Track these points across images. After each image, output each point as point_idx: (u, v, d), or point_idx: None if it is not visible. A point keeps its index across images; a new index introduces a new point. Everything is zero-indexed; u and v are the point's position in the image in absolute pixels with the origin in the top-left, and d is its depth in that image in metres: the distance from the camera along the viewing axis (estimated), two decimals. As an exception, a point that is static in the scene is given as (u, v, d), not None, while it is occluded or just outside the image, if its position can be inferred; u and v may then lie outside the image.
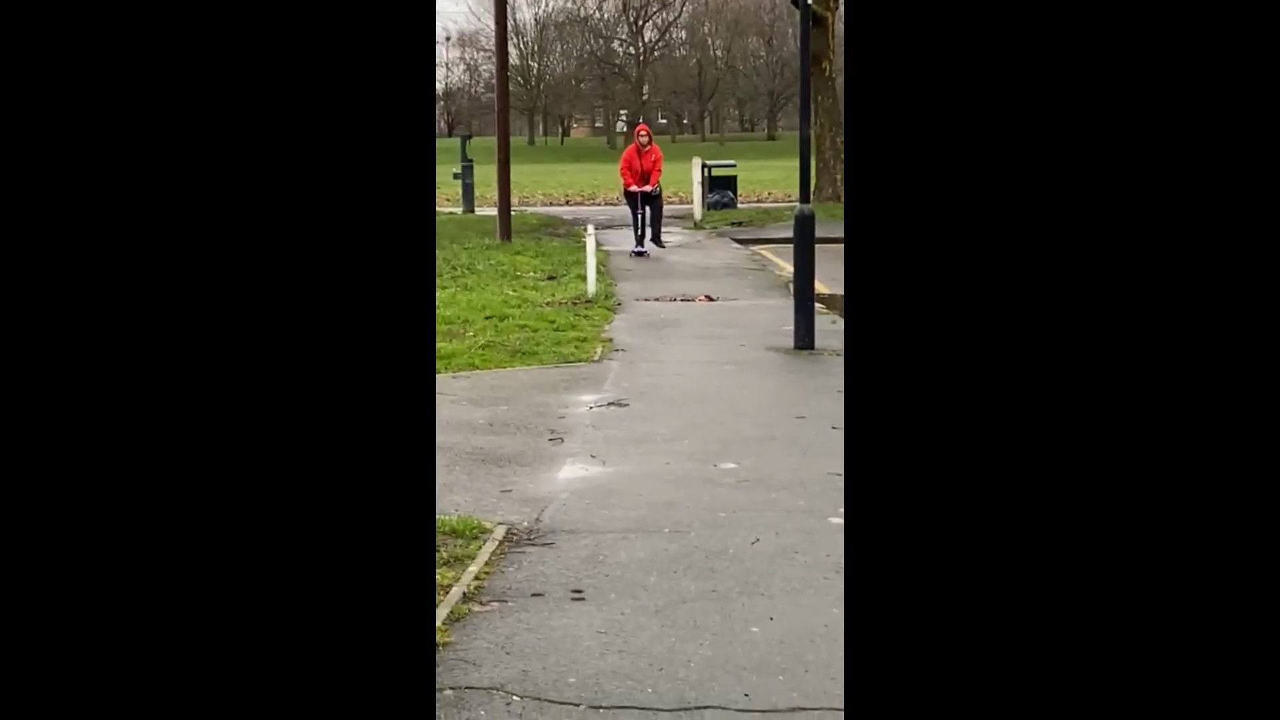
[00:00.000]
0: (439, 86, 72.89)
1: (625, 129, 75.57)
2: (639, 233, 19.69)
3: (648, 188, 19.41)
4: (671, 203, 30.63)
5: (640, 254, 19.57)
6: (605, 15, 65.71)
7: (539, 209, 31.59)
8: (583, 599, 5.64)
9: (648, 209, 20.28)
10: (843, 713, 4.29)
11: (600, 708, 4.57)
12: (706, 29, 68.77)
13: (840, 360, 11.34)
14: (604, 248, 19.27)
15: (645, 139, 20.11)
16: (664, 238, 24.67)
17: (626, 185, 20.55)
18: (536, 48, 70.51)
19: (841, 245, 9.82)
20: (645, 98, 73.58)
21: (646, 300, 15.28)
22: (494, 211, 24.95)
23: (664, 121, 76.75)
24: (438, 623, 5.11)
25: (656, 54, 71.35)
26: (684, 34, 69.78)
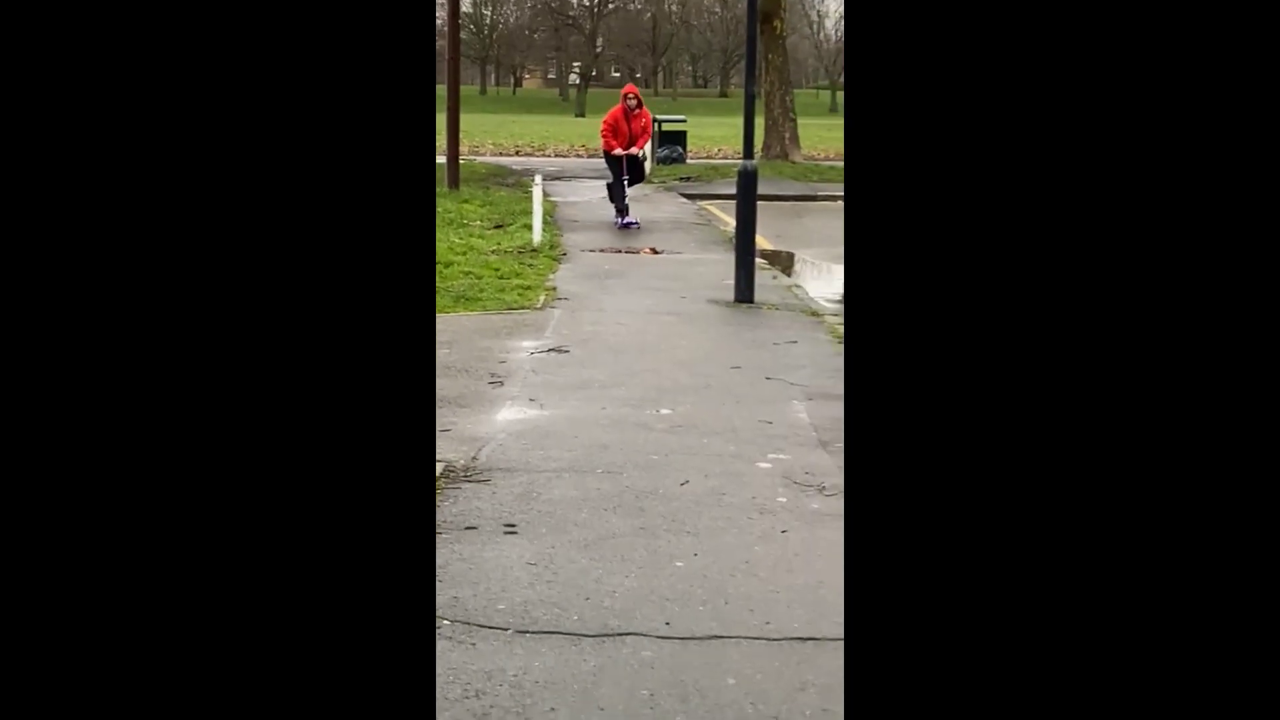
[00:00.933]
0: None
1: (578, 81, 77.35)
2: (623, 202, 18.08)
3: (634, 150, 17.84)
4: (595, 166, 30.68)
5: (627, 226, 18.00)
6: None
7: (488, 159, 31.41)
8: (515, 532, 5.79)
9: (631, 175, 18.54)
10: (756, 640, 4.56)
11: (527, 633, 4.72)
12: None
13: (778, 313, 11.82)
14: (551, 198, 19.33)
15: (635, 101, 18.30)
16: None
17: (608, 149, 18.35)
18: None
19: (785, 202, 10.01)
20: (599, 50, 74.04)
21: (591, 251, 15.63)
22: (443, 160, 23.64)
23: (617, 75, 77.42)
24: None
25: (611, 6, 72.18)
26: None
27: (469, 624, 4.81)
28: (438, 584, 5.01)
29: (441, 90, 26.80)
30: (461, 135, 25.25)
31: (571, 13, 70.76)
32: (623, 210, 17.47)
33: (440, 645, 4.41)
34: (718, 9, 66.50)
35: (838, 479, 6.79)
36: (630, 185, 17.77)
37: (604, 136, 18.27)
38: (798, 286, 13.14)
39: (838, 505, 6.20)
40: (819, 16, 72.56)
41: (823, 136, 42.40)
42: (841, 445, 7.37)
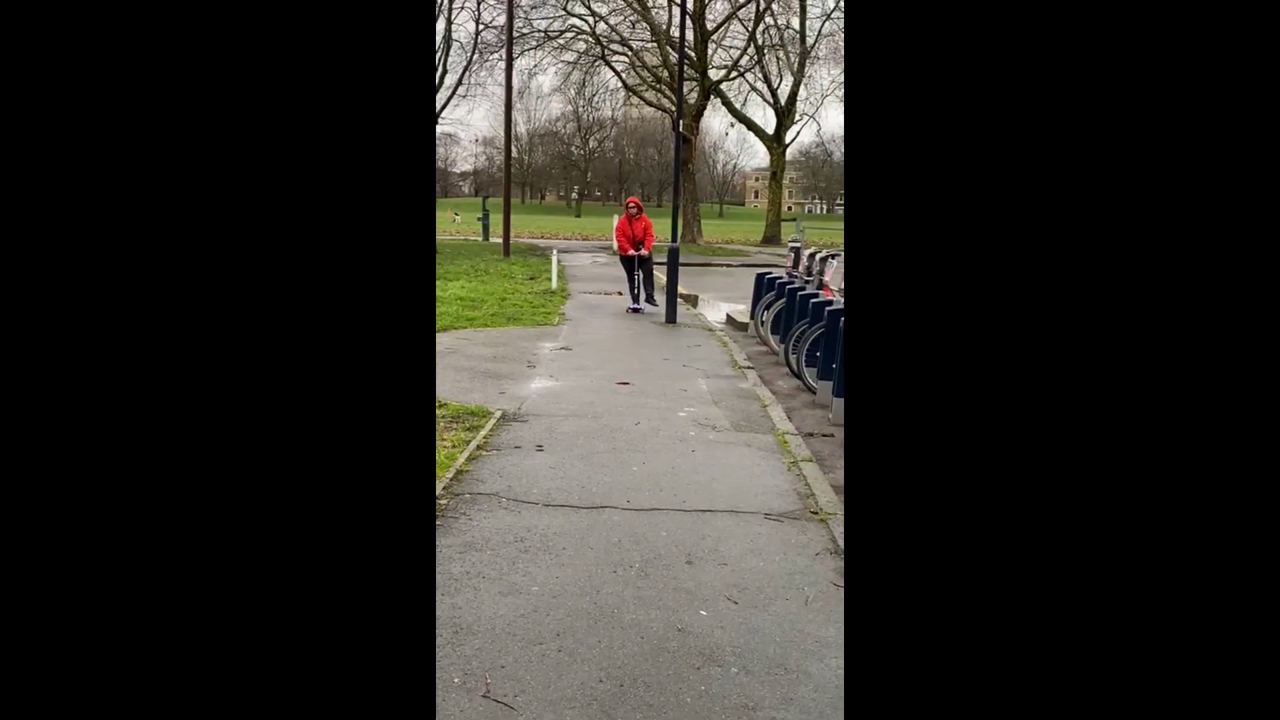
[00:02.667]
0: (469, 166, 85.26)
1: (576, 197, 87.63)
2: (635, 291, 14.52)
3: (643, 251, 14.37)
4: (595, 239, 30.21)
5: (636, 310, 14.34)
6: (567, 130, 69.14)
7: (524, 240, 32.93)
8: (542, 450, 6.11)
9: (641, 272, 14.59)
10: (677, 511, 4.92)
11: (549, 505, 5.01)
12: (625, 142, 73.04)
13: (689, 329, 12.71)
14: (561, 263, 19.43)
15: (635, 209, 14.70)
16: (594, 267, 19.81)
17: (623, 251, 14.76)
18: (528, 148, 73.55)
19: (694, 267, 10.47)
20: (588, 179, 78.64)
21: (585, 293, 16.21)
22: (500, 240, 26.35)
23: (598, 195, 79.34)
24: (461, 461, 5.65)
25: (595, 155, 75.67)
26: (611, 144, 73.85)
27: (516, 500, 5.11)
28: (502, 480, 5.55)
29: (499, 201, 27.10)
30: (510, 226, 26.56)
31: (573, 158, 75.10)
32: (635, 297, 14.25)
33: (500, 514, 4.85)
34: (656, 157, 68.90)
35: (724, 423, 7.15)
36: (645, 281, 14.22)
37: (617, 240, 14.75)
38: (700, 314, 14.22)
39: (725, 437, 6.76)
40: (711, 164, 77.16)
41: (713, 230, 47.93)
42: (727, 401, 7.83)
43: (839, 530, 4.69)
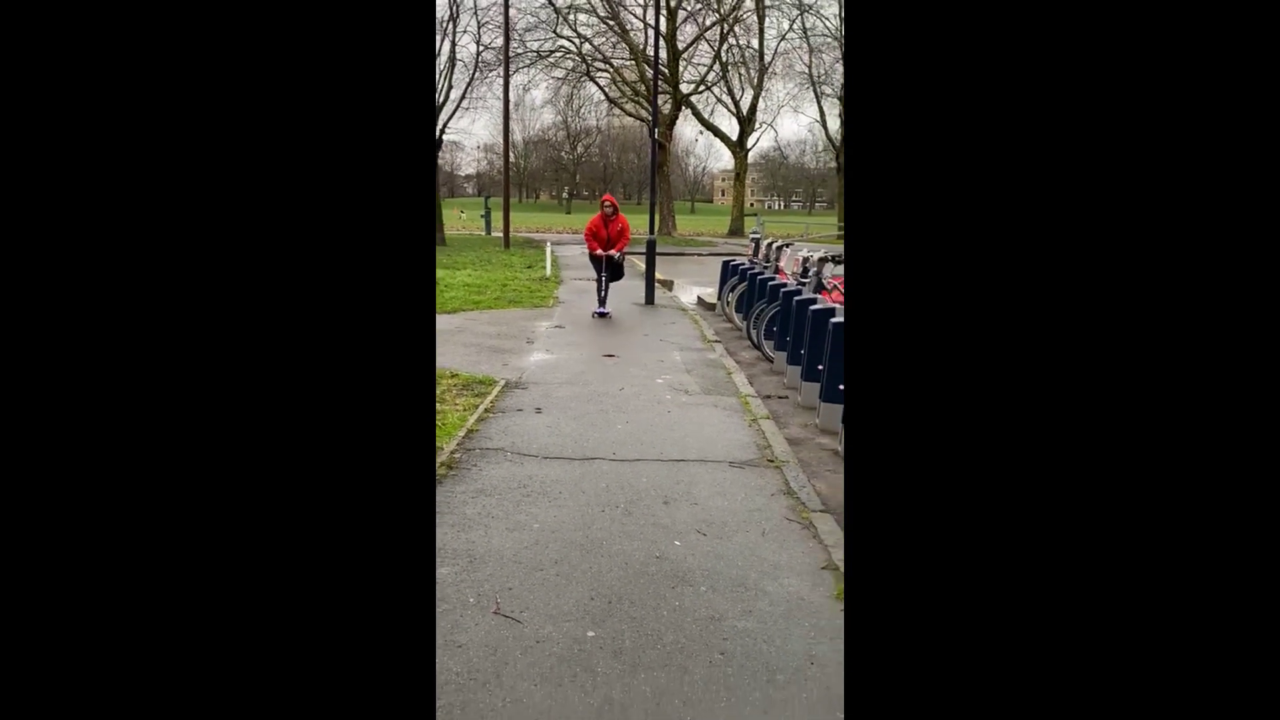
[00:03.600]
0: (473, 170, 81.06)
1: (567, 195, 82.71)
2: (602, 294, 12.04)
3: (612, 253, 12.04)
4: (578, 236, 29.58)
5: (603, 315, 11.63)
6: (557, 137, 68.30)
7: (522, 233, 32.44)
8: (541, 412, 6.13)
9: (607, 274, 11.90)
10: (656, 461, 4.99)
11: (548, 458, 5.05)
12: (608, 147, 71.85)
13: (665, 309, 12.48)
14: (555, 254, 19.25)
15: (611, 209, 12.18)
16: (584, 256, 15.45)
17: (591, 250, 12.33)
18: (524, 153, 73.39)
19: (669, 256, 10.86)
20: (577, 180, 77.84)
21: (576, 280, 15.87)
22: (501, 234, 26.01)
23: (585, 194, 78.72)
24: (471, 422, 5.67)
25: (583, 159, 74.68)
26: (596, 150, 72.44)
27: (519, 454, 5.14)
28: (507, 437, 5.57)
29: (499, 200, 26.43)
30: (509, 222, 26.14)
31: (564, 162, 74.13)
32: (602, 300, 11.62)
33: (505, 466, 4.89)
34: (636, 161, 68.42)
35: (695, 388, 7.16)
36: (610, 282, 11.84)
37: (586, 240, 12.14)
38: (675, 297, 14.09)
39: (696, 400, 6.77)
40: (684, 166, 77.10)
41: (685, 224, 47.23)
42: (698, 369, 7.87)
43: (791, 475, 4.80)
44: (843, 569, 3.61)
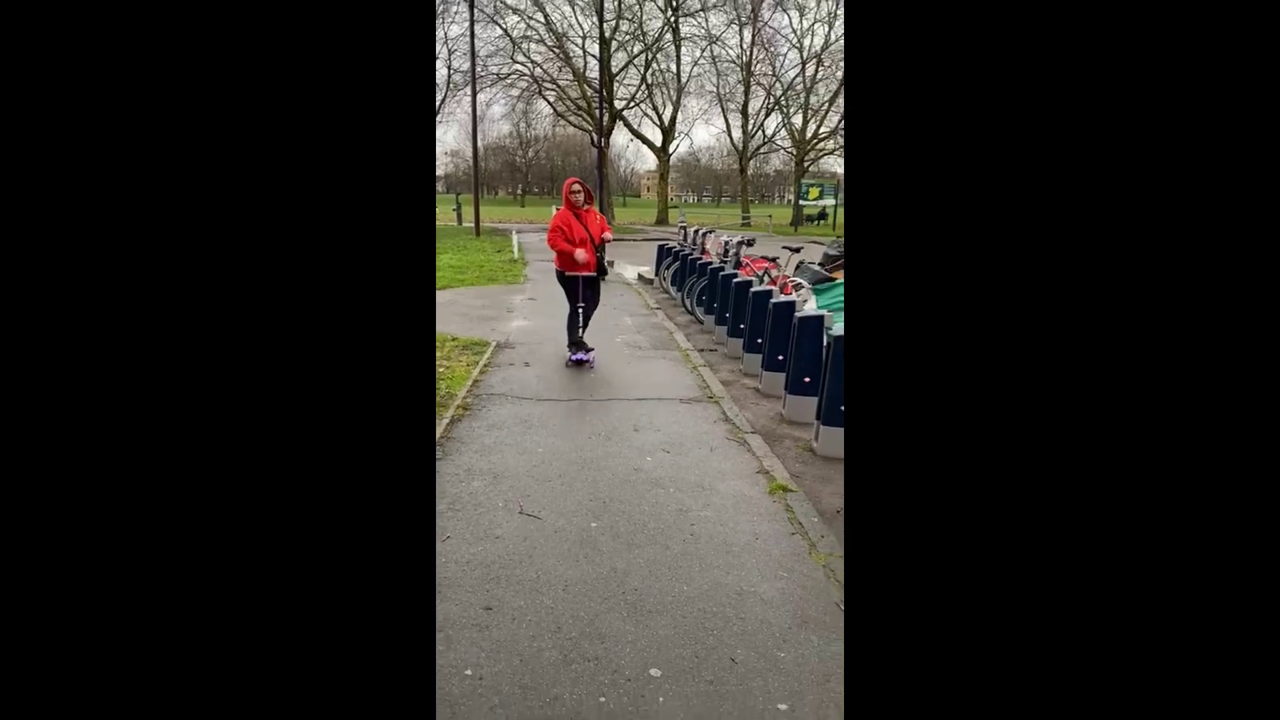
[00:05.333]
0: (442, 172, 69.24)
1: (520, 192, 72.43)
2: (579, 332, 6.00)
3: (589, 272, 5.85)
4: (538, 222, 28.46)
5: (580, 361, 6.00)
6: (511, 144, 66.73)
7: (489, 224, 30.85)
8: (529, 366, 6.12)
9: (585, 304, 5.97)
10: (624, 400, 5.14)
11: (540, 399, 5.11)
12: (554, 152, 70.39)
13: (613, 283, 12.06)
14: (520, 239, 18.91)
15: (581, 195, 5.75)
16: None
17: (563, 267, 5.90)
18: (484, 157, 72.19)
19: (610, 241, 9.37)
20: (528, 179, 75.94)
21: (539, 261, 15.43)
22: (471, 224, 24.41)
23: (536, 190, 75.48)
24: (475, 374, 5.70)
25: (533, 162, 72.90)
26: (544, 154, 70.55)
27: (518, 397, 5.17)
28: (506, 385, 5.57)
29: (469, 196, 25.37)
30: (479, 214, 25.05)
31: (518, 165, 71.33)
32: (577, 343, 6.04)
33: (509, 406, 4.95)
34: (577, 163, 67.57)
35: (646, 344, 7.22)
36: (591, 309, 6.12)
37: (555, 246, 5.84)
38: (620, 273, 13.66)
39: (647, 354, 6.85)
40: (617, 167, 76.20)
41: (620, 215, 44.00)
42: (646, 331, 7.91)
43: (726, 407, 5.04)
44: (772, 474, 3.86)
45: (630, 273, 15.02)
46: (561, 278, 6.04)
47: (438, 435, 4.29)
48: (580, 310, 6.03)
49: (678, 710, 2.09)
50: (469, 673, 2.23)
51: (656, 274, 12.02)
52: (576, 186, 5.81)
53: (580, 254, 5.75)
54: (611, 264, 6.18)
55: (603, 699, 2.14)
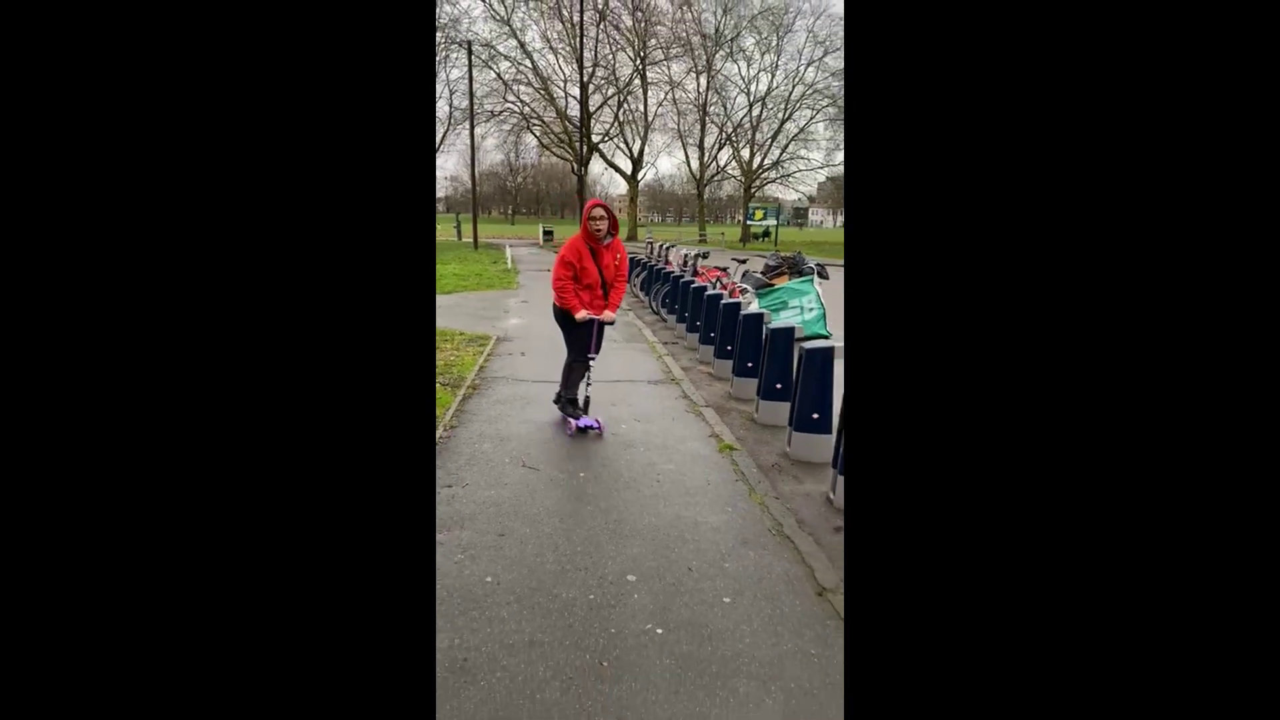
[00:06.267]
0: (442, 194, 63.27)
1: (512, 213, 66.34)
2: (581, 396, 3.79)
3: (607, 314, 3.51)
4: (527, 239, 27.65)
5: (589, 428, 3.75)
6: (503, 171, 64.74)
7: (485, 240, 30.27)
8: (524, 355, 6.24)
9: (590, 363, 3.73)
10: (603, 382, 5.24)
11: (535, 381, 5.20)
12: (540, 178, 68.57)
13: None
14: (512, 253, 18.75)
15: (605, 226, 3.34)
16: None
17: (570, 306, 3.48)
18: (480, 182, 69.76)
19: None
20: (517, 201, 72.27)
21: (529, 270, 15.54)
22: (470, 240, 24.27)
23: (524, 211, 72.00)
24: (480, 361, 5.77)
25: (521, 187, 69.98)
26: (531, 180, 68.69)
27: (517, 380, 5.28)
28: (507, 370, 5.63)
29: (468, 215, 25.05)
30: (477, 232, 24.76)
31: (508, 189, 68.92)
32: (572, 404, 3.81)
33: (510, 386, 5.06)
34: (559, 188, 66.02)
35: (620, 338, 7.21)
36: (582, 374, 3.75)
37: (560, 285, 3.52)
38: None
39: (621, 346, 6.84)
40: (594, 192, 73.46)
41: None
42: (620, 328, 7.89)
43: (686, 388, 5.24)
44: (721, 437, 4.09)
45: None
46: (564, 318, 3.72)
47: (453, 410, 4.43)
48: (589, 364, 3.84)
49: (648, 603, 2.39)
50: (489, 579, 2.49)
51: (629, 281, 12.25)
52: (600, 212, 3.59)
53: (582, 315, 3.59)
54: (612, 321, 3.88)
55: (591, 596, 2.42)
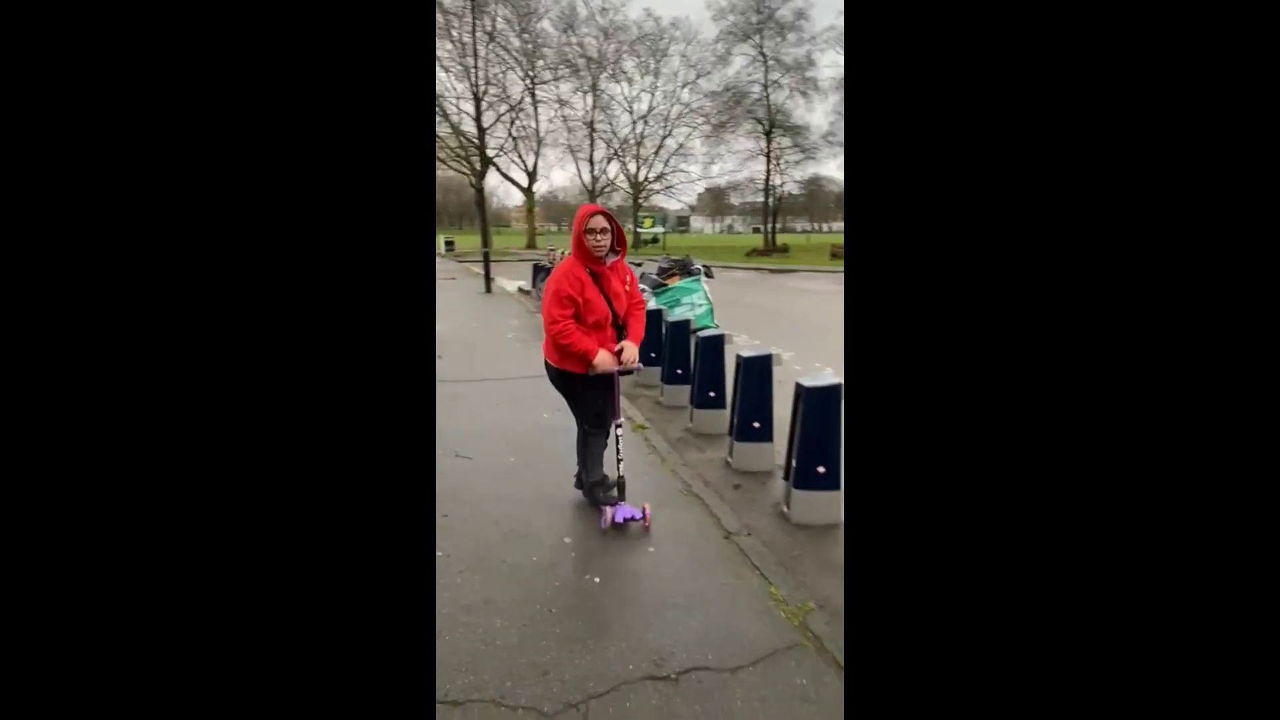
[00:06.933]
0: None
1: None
2: (600, 472, 2.30)
3: (629, 362, 2.02)
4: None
5: (631, 518, 2.28)
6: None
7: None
8: (442, 358, 5.93)
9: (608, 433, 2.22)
10: (517, 378, 5.27)
11: (458, 381, 5.16)
12: (439, 190, 63.63)
13: (499, 295, 11.69)
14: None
15: (608, 241, 1.92)
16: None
17: (584, 350, 1.99)
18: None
19: (492, 263, 9.41)
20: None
21: (441, 279, 14.99)
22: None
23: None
24: None
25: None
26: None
27: (443, 380, 5.21)
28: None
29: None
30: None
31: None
32: (602, 488, 2.32)
33: (441, 386, 5.02)
34: (456, 199, 61.80)
35: (528, 337, 7.16)
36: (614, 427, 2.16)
37: (560, 329, 2.03)
38: (503, 287, 13.00)
39: (528, 345, 6.78)
40: (492, 204, 68.60)
41: (497, 242, 40.38)
42: (527, 329, 7.84)
43: None
44: (633, 419, 4.26)
45: (511, 286, 14.90)
46: (564, 379, 2.50)
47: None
48: (617, 432, 2.55)
49: (585, 558, 2.55)
50: (441, 554, 2.57)
51: (532, 286, 12.10)
52: (600, 222, 2.32)
53: (603, 358, 2.32)
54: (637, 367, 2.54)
55: (535, 558, 2.56)
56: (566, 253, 2.70)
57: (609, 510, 2.45)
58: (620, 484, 2.39)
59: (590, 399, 2.33)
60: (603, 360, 2.16)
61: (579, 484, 2.56)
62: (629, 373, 2.30)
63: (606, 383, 2.28)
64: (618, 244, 2.20)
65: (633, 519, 2.47)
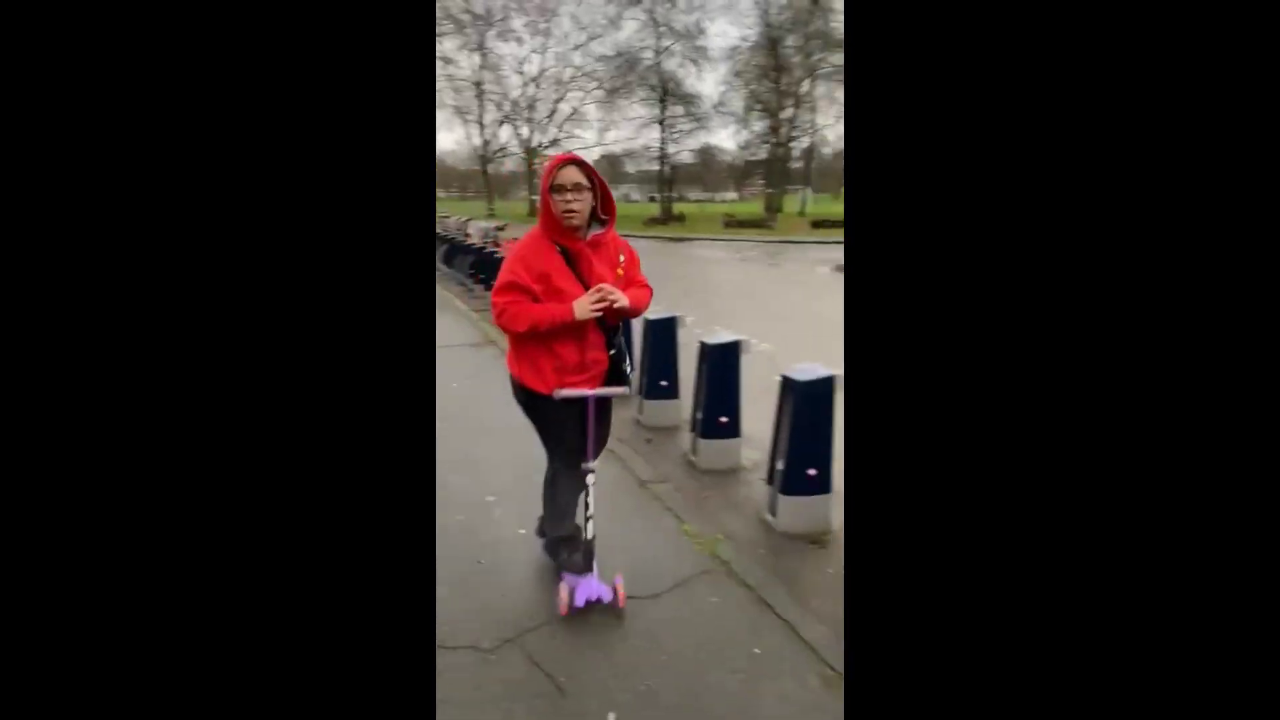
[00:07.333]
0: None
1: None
2: (585, 531, 1.59)
3: (619, 389, 1.41)
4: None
5: (595, 601, 1.61)
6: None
7: None
8: None
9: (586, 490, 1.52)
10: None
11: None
12: None
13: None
14: None
15: (580, 203, 1.27)
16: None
17: (537, 385, 1.45)
18: None
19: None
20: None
21: None
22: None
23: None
24: None
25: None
26: None
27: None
28: None
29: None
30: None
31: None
32: (566, 546, 1.66)
33: None
34: None
35: (494, 333, 6.95)
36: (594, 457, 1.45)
37: (506, 319, 1.41)
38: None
39: (438, 315, 6.60)
40: None
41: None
42: (488, 325, 7.64)
43: (502, 347, 5.34)
44: None
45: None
46: (527, 397, 1.82)
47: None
48: (588, 479, 1.86)
49: (510, 514, 2.66)
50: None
51: (447, 266, 11.70)
52: (574, 174, 1.58)
53: (581, 306, 1.61)
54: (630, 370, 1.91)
55: (460, 518, 2.64)
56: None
57: (570, 583, 1.80)
58: (588, 550, 1.76)
59: (557, 425, 1.67)
60: (581, 307, 1.51)
61: (541, 532, 2.01)
62: (618, 394, 1.62)
63: (577, 409, 1.63)
64: (604, 209, 1.54)
65: (600, 601, 1.78)
